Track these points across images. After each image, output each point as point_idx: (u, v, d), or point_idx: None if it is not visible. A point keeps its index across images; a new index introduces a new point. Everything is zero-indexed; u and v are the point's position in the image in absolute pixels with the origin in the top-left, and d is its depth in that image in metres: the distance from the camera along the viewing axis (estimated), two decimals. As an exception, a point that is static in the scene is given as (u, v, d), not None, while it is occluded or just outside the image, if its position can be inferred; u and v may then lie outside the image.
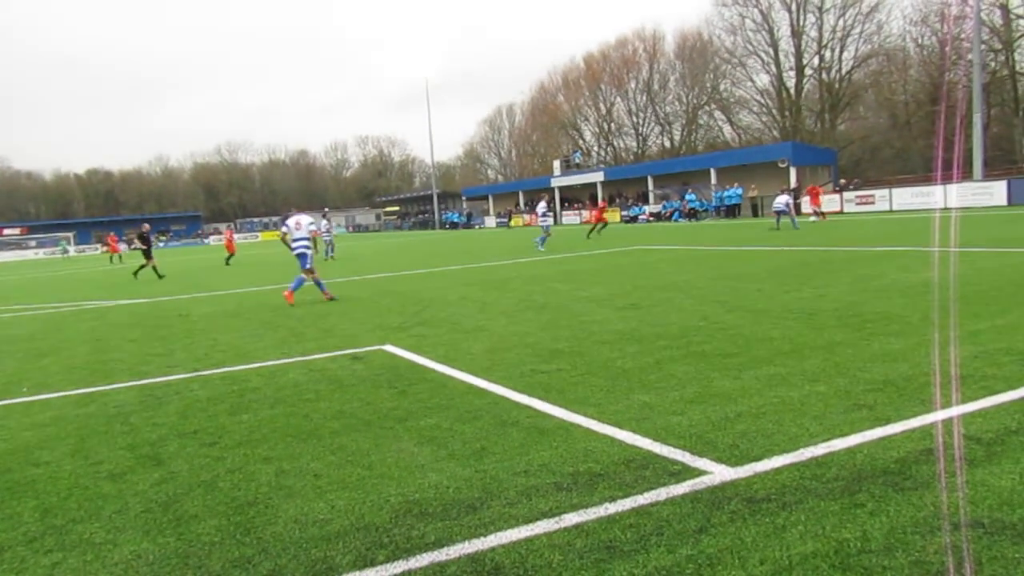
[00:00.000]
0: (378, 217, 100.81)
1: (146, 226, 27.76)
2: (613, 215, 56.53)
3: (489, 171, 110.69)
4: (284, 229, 13.89)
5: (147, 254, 25.36)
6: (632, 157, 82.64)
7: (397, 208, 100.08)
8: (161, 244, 60.48)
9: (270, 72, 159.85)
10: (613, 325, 8.80)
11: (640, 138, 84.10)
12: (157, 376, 7.69)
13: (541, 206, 28.70)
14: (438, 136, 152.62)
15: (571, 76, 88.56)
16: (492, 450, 4.54)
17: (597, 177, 62.90)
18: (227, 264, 30.71)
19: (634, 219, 54.51)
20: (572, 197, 66.89)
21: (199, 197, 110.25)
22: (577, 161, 71.43)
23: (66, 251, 72.89)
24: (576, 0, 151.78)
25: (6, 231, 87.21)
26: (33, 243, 58.89)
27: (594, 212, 34.31)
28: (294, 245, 13.74)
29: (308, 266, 13.60)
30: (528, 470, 4.15)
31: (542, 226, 27.16)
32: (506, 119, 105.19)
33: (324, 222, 30.41)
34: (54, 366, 8.75)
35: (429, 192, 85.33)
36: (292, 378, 7.13)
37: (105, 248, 54.46)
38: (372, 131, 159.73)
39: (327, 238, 29.91)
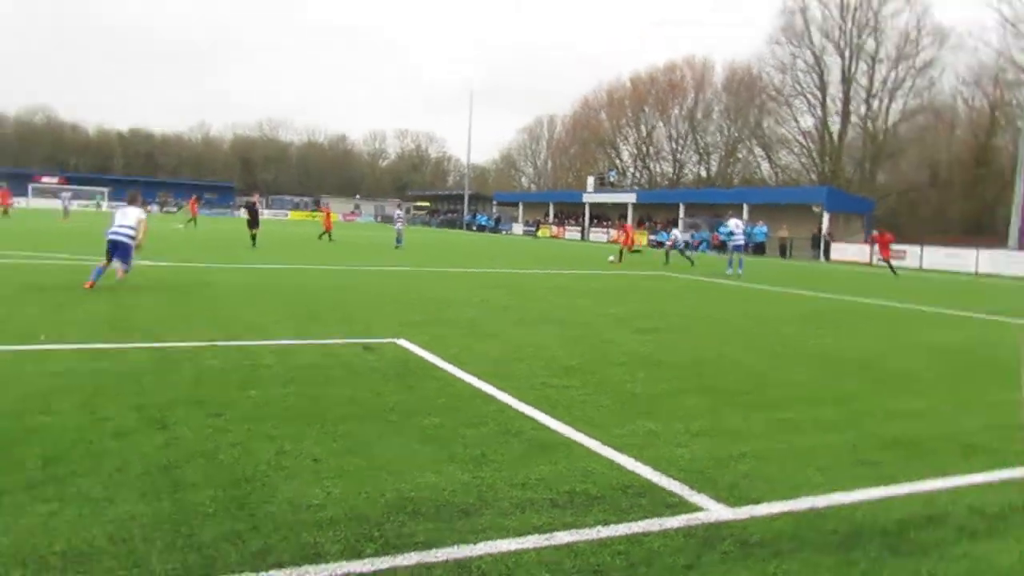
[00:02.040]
0: (408, 211, 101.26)
1: (256, 195, 28.43)
2: (640, 237, 56.45)
3: (523, 179, 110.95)
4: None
5: (253, 223, 25.70)
6: (667, 182, 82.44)
7: (428, 204, 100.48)
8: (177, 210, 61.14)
9: (317, 56, 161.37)
10: (629, 347, 8.78)
11: (677, 164, 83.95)
12: (174, 341, 7.77)
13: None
14: (476, 138, 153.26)
15: (616, 95, 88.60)
16: (492, 458, 4.54)
17: (629, 198, 62.79)
18: (320, 239, 31.35)
19: (661, 244, 54.32)
20: (601, 215, 66.81)
21: (235, 168, 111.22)
22: (612, 180, 71.35)
23: (99, 206, 73.76)
24: (628, 22, 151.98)
25: (45, 179, 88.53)
26: (68, 194, 60.45)
27: (622, 234, 32.09)
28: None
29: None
30: (526, 483, 4.15)
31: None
32: (546, 129, 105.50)
33: (400, 212, 31.26)
34: (74, 318, 8.87)
35: (461, 192, 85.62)
36: (305, 360, 7.18)
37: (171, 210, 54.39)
38: (412, 126, 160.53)
39: (399, 227, 30.52)
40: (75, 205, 54.53)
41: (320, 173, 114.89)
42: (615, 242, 30.25)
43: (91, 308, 9.64)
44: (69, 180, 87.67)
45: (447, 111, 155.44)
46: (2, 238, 22.29)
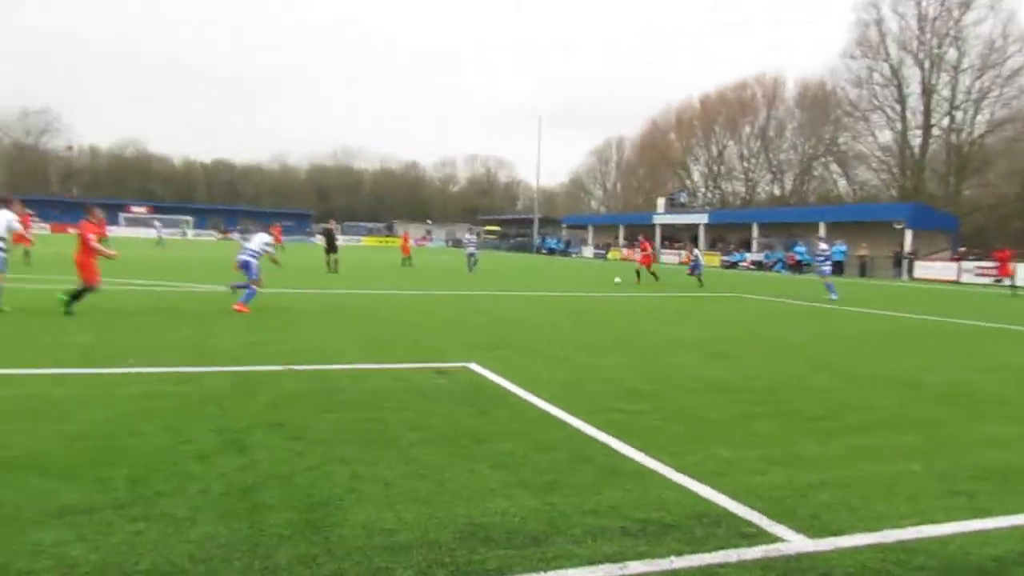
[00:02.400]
0: (478, 235, 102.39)
1: (332, 222, 29.28)
2: (712, 259, 55.54)
3: (592, 201, 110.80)
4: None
5: (330, 249, 26.46)
6: (739, 202, 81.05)
7: (498, 228, 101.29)
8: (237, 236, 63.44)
9: (390, 84, 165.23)
10: (699, 372, 8.62)
11: (749, 184, 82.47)
12: (253, 365, 8.00)
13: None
14: (545, 162, 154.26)
15: (685, 115, 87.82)
16: (563, 484, 4.50)
17: (700, 219, 61.99)
18: (403, 266, 31.99)
19: (734, 265, 53.35)
20: (672, 236, 66.07)
21: (312, 196, 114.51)
22: (682, 201, 70.59)
23: (185, 234, 76.94)
24: (696, 40, 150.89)
25: (134, 208, 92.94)
26: (157, 222, 64.27)
27: (639, 252, 28.81)
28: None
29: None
30: (597, 510, 4.09)
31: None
32: (615, 151, 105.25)
33: (470, 236, 31.29)
34: (161, 343, 9.24)
35: (530, 216, 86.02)
36: (377, 384, 7.29)
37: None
38: (481, 150, 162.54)
39: (470, 251, 30.50)
40: (165, 233, 57.18)
41: (392, 199, 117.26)
42: (627, 258, 27.87)
43: (176, 333, 10.02)
44: (157, 209, 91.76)
45: (516, 135, 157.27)
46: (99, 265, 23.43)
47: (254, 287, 13.26)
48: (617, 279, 26.24)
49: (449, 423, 5.87)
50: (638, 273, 27.38)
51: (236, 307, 12.61)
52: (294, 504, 4.03)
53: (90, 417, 5.59)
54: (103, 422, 5.48)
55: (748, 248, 55.90)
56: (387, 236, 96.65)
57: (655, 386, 7.67)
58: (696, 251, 29.40)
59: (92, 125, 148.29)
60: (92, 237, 11.91)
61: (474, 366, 8.41)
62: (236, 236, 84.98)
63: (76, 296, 11.57)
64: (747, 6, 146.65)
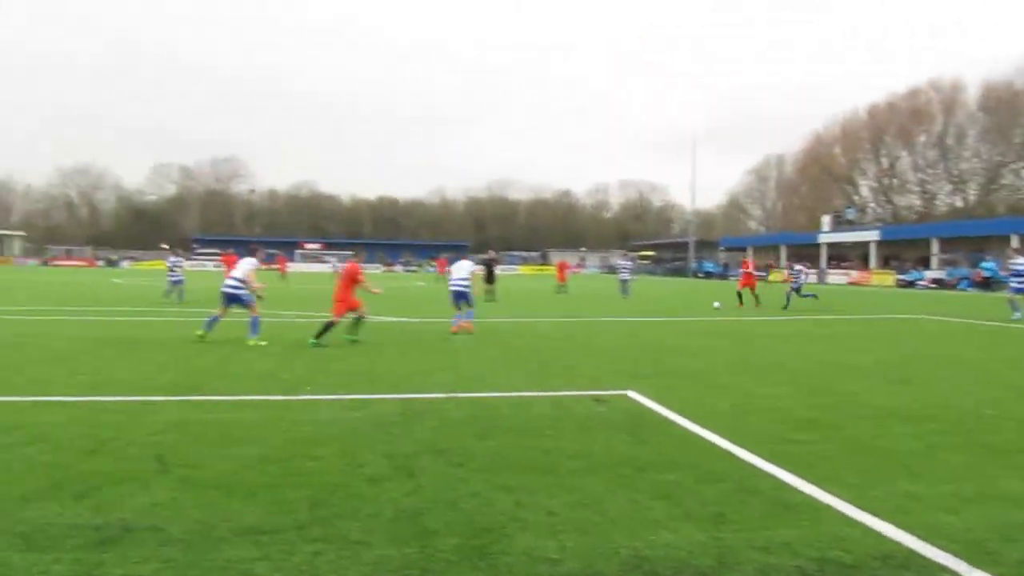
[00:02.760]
0: (633, 260, 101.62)
1: (492, 252, 30.45)
2: (885, 278, 51.92)
3: (750, 222, 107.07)
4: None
5: (488, 279, 27.59)
6: (915, 216, 75.51)
7: (652, 252, 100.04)
8: (431, 269, 65.99)
9: (542, 113, 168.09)
10: (877, 399, 8.04)
11: (926, 196, 76.72)
12: (417, 392, 8.31)
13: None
14: (700, 183, 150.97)
15: (850, 127, 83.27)
16: (731, 517, 4.32)
17: (871, 236, 58.26)
18: (558, 293, 32.75)
19: (911, 284, 49.61)
20: (840, 255, 62.46)
21: (469, 228, 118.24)
22: (850, 217, 66.76)
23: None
24: (860, 49, 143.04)
25: (308, 245, 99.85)
26: (332, 257, 69.49)
27: (742, 274, 26.21)
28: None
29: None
30: (768, 546, 3.89)
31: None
32: (774, 169, 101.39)
33: (624, 262, 31.32)
34: (334, 370, 9.80)
35: (686, 239, 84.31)
36: (536, 411, 7.35)
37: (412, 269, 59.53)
38: (633, 175, 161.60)
39: (625, 277, 30.51)
40: (339, 268, 61.08)
41: (546, 228, 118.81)
42: (790, 281, 24.43)
43: (348, 362, 10.59)
44: (327, 245, 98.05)
45: (669, 158, 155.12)
46: (280, 299, 25.31)
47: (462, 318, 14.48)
48: (716, 304, 24.41)
49: (609, 452, 5.81)
50: (739, 295, 25.40)
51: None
52: (460, 530, 4.12)
53: (271, 441, 6.00)
54: (283, 446, 5.86)
55: (927, 265, 51.82)
56: (542, 264, 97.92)
57: (827, 414, 7.23)
58: (798, 267, 26.31)
59: (272, 169, 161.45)
60: (361, 276, 13.11)
61: (632, 393, 8.29)
62: (399, 269, 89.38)
63: (328, 327, 12.68)
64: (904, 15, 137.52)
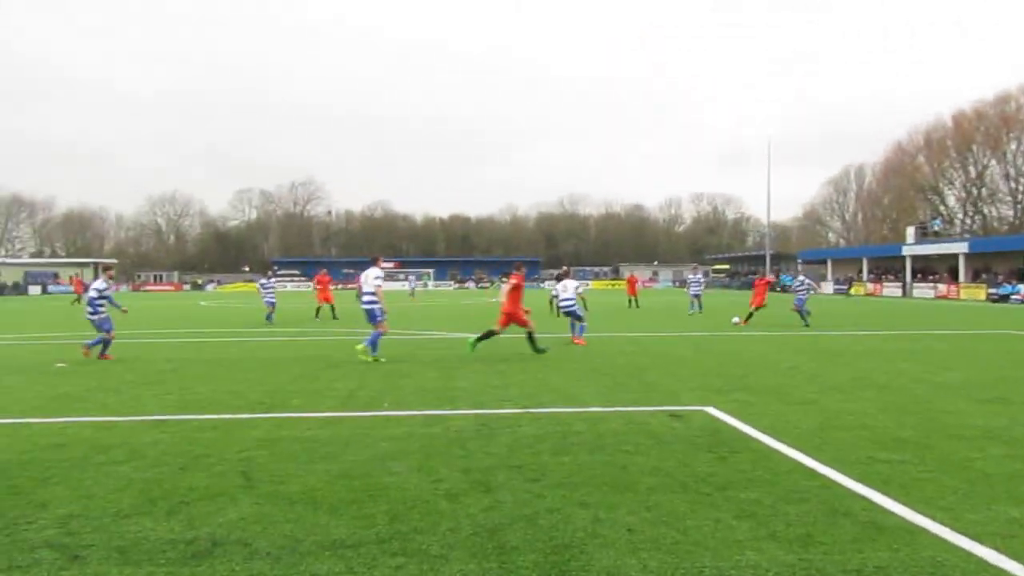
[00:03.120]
0: (706, 274, 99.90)
1: (566, 268, 30.58)
2: (976, 292, 49.61)
3: (830, 234, 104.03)
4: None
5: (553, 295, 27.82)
6: (1006, 227, 72.02)
7: (727, 266, 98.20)
8: (503, 286, 66.84)
9: (614, 127, 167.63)
10: (972, 419, 7.66)
11: (1018, 206, 73.10)
12: (492, 408, 8.34)
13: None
14: (775, 195, 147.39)
15: (935, 136, 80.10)
16: (819, 539, 4.18)
17: (959, 248, 55.71)
18: (629, 307, 32.74)
19: (1004, 299, 47.20)
20: (926, 268, 60.00)
21: (540, 244, 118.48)
22: (935, 229, 64.08)
23: (425, 285, 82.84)
24: (942, 56, 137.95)
25: (384, 264, 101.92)
26: (402, 276, 71.00)
27: (756, 293, 23.58)
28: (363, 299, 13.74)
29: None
30: (861, 570, 3.74)
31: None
32: (854, 180, 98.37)
33: (694, 276, 30.15)
34: (410, 387, 9.93)
35: (761, 252, 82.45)
36: (612, 427, 7.28)
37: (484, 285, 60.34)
38: (707, 188, 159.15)
39: (696, 291, 29.16)
40: (415, 285, 62.57)
41: (618, 242, 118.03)
42: (876, 296, 21.62)
43: (423, 379, 10.72)
44: (402, 264, 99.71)
45: (743, 170, 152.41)
46: (356, 319, 25.86)
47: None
48: (735, 319, 22.99)
49: (688, 469, 5.70)
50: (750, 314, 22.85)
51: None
52: (539, 546, 4.10)
53: (352, 457, 6.11)
54: (363, 462, 5.96)
55: (1021, 279, 49.26)
56: (614, 279, 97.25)
57: (919, 434, 6.93)
58: (801, 279, 23.97)
59: (347, 191, 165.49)
60: (519, 286, 13.89)
61: (710, 409, 8.13)
62: (471, 285, 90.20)
63: (488, 334, 13.77)
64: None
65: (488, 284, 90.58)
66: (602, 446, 6.46)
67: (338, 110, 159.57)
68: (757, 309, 22.86)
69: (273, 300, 24.47)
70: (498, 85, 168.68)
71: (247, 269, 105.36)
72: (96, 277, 14.86)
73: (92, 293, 14.03)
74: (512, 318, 13.55)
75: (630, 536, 4.24)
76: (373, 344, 12.88)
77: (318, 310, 26.00)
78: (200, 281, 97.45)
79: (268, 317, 23.90)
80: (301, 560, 3.92)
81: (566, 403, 8.66)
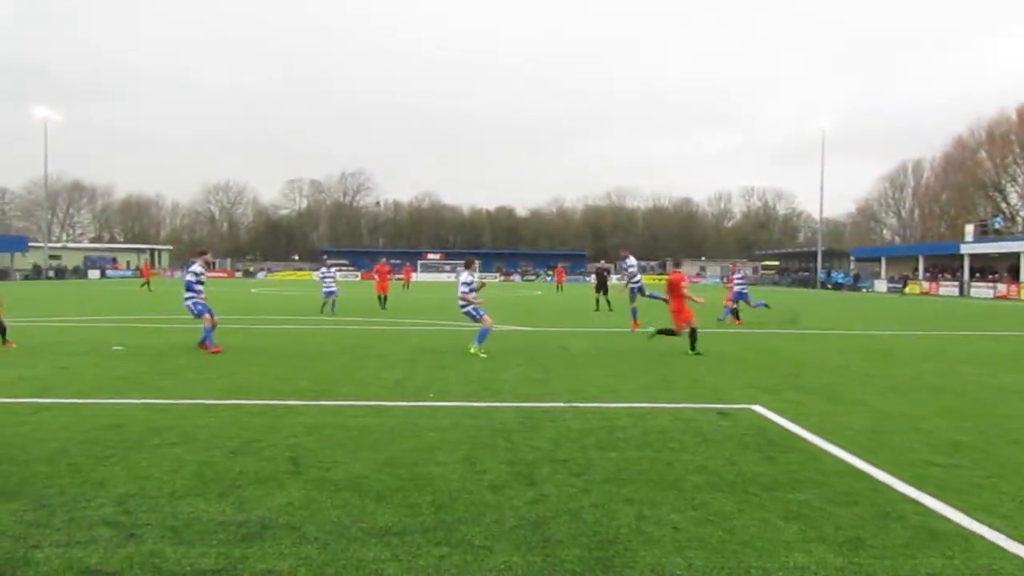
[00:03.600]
0: (755, 271, 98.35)
1: (603, 262, 30.33)
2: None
3: (884, 231, 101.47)
4: None
5: (600, 287, 27.68)
6: (1074, 225, 69.28)
7: (777, 263, 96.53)
8: (549, 279, 66.40)
9: (663, 120, 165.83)
10: (1034, 423, 7.41)
11: (1086, 203, 70.37)
12: (536, 401, 8.34)
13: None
14: (828, 191, 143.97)
15: (998, 130, 77.38)
16: (870, 543, 4.09)
17: (1021, 247, 53.88)
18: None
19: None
20: (985, 267, 58.16)
21: (587, 237, 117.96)
22: (996, 227, 61.96)
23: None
24: (1003, 49, 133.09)
25: (430, 255, 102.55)
26: (448, 267, 71.55)
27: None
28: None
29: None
30: None
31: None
32: (911, 176, 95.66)
33: (739, 272, 29.85)
34: (455, 378, 9.99)
35: (813, 248, 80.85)
36: (658, 424, 7.22)
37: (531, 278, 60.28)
38: (757, 183, 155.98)
39: (739, 290, 28.83)
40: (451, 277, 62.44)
41: (666, 237, 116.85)
42: (931, 294, 20.49)
43: (468, 370, 10.77)
44: (447, 255, 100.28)
45: (796, 165, 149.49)
46: (403, 309, 26.11)
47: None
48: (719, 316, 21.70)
49: (735, 468, 5.63)
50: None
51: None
52: (583, 540, 4.09)
53: (399, 446, 6.18)
54: (409, 451, 6.02)
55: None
56: (661, 273, 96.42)
57: (976, 438, 6.73)
58: (739, 275, 22.31)
59: (396, 182, 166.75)
60: (684, 285, 13.79)
61: (759, 408, 8.01)
62: (516, 278, 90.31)
63: (668, 332, 13.82)
64: None
65: (534, 277, 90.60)
66: (648, 442, 6.42)
67: (387, 99, 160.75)
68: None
69: (332, 290, 23.72)
70: (552, 80, 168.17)
71: (296, 258, 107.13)
72: (191, 261, 14.21)
73: (189, 277, 13.70)
74: (682, 315, 13.49)
75: (675, 534, 4.21)
76: (481, 339, 12.79)
77: (384, 299, 26.38)
78: (251, 268, 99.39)
79: (331, 307, 23.08)
80: (348, 546, 3.98)
81: (610, 398, 8.62)
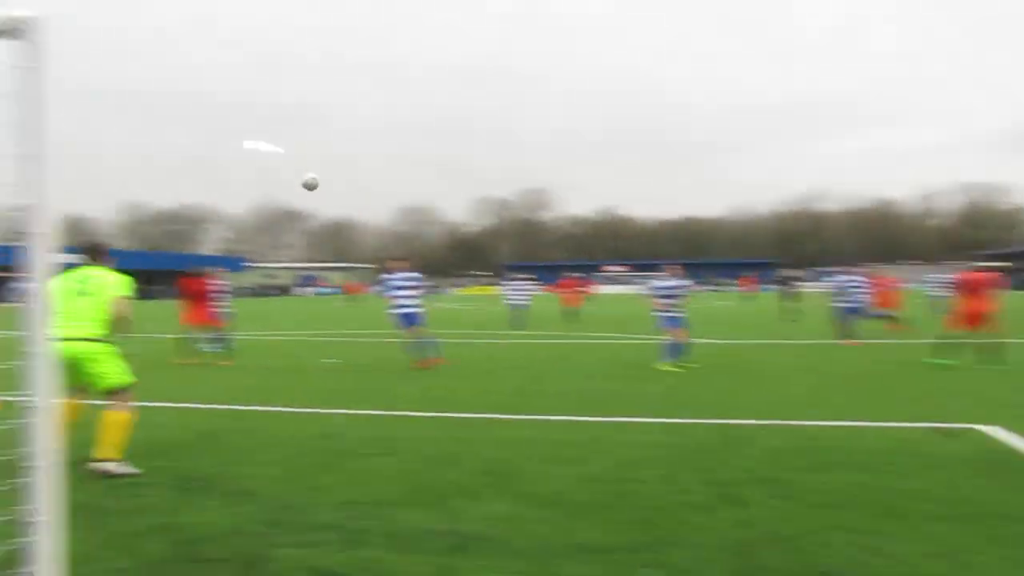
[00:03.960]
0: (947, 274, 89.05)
1: (788, 271, 29.38)
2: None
3: None
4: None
5: (786, 297, 26.91)
6: None
7: (1007, 263, 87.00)
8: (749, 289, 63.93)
9: (857, 119, 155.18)
10: None
11: None
12: (731, 418, 8.03)
13: None
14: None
15: None
16: None
17: None
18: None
19: None
20: None
21: (775, 244, 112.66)
22: None
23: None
24: None
25: (610, 268, 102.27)
26: (635, 279, 71.93)
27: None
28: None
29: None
30: None
31: None
32: None
33: (936, 276, 27.79)
34: (653, 393, 9.82)
35: (1044, 247, 72.10)
36: (871, 443, 6.72)
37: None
38: (967, 177, 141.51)
39: (937, 293, 26.78)
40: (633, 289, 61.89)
41: (863, 239, 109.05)
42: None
43: (661, 384, 10.59)
44: (632, 267, 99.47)
45: (1013, 156, 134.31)
46: (590, 322, 26.25)
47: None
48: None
49: (965, 496, 5.10)
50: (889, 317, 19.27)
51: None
52: (798, 569, 3.88)
53: (598, 462, 6.17)
54: (612, 467, 5.99)
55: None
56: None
57: None
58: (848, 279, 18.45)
59: (576, 196, 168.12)
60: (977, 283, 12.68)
61: (991, 428, 7.22)
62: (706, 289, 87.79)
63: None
64: None
65: (715, 287, 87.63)
66: (862, 464, 5.98)
67: (571, 120, 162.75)
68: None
69: (519, 302, 24.00)
70: (737, 84, 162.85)
71: (483, 274, 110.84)
72: (396, 271, 13.73)
73: (397, 283, 13.33)
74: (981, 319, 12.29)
75: (903, 568, 3.88)
76: (671, 354, 12.32)
77: (573, 312, 26.83)
78: (438, 285, 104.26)
79: (520, 320, 23.29)
80: (550, 560, 4.02)
81: (816, 416, 8.12)
